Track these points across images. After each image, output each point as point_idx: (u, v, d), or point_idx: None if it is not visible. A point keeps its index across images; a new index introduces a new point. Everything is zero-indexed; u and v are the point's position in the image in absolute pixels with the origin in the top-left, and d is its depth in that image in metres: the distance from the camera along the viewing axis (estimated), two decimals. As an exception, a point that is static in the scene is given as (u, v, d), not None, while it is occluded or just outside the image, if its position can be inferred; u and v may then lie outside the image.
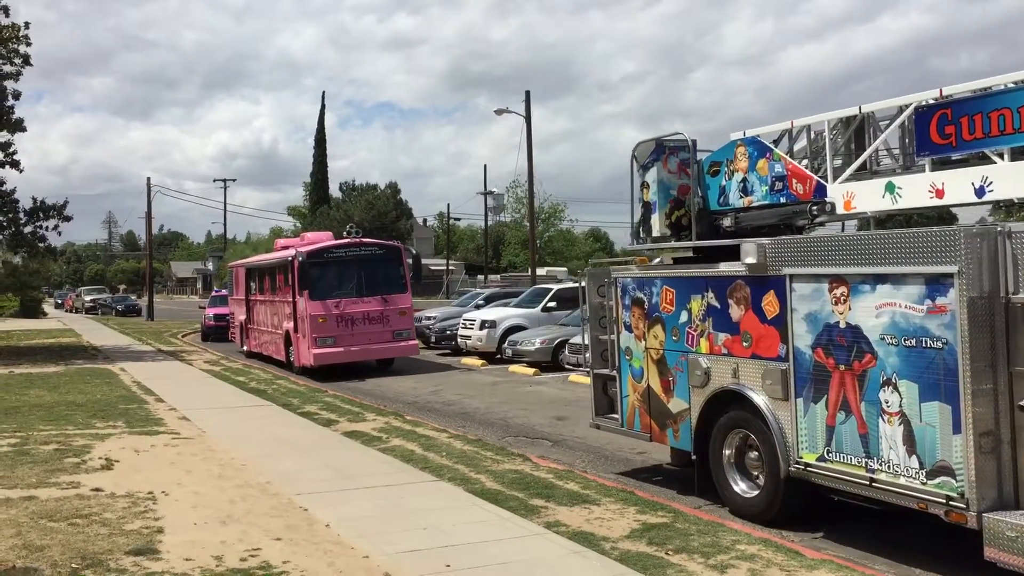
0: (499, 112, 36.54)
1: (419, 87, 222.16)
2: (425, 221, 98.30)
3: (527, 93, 36.36)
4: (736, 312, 8.20)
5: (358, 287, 21.54)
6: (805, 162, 8.58)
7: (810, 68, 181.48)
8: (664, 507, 8.41)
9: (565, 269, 74.21)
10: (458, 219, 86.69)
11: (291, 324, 22.02)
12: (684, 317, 8.84)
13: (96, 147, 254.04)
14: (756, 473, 8.26)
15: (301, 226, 72.07)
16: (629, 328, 9.66)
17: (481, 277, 71.38)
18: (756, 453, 8.21)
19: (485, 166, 66.83)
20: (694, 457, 8.88)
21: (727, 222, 8.93)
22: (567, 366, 20.05)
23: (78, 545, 7.18)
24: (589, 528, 7.70)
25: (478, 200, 69.06)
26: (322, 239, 23.96)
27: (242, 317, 27.78)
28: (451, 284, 68.68)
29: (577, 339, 19.88)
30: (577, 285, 27.54)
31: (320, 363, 20.94)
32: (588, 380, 18.77)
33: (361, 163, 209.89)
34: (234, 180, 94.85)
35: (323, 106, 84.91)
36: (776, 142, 8.82)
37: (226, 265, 49.00)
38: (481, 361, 23.50)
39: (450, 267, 75.76)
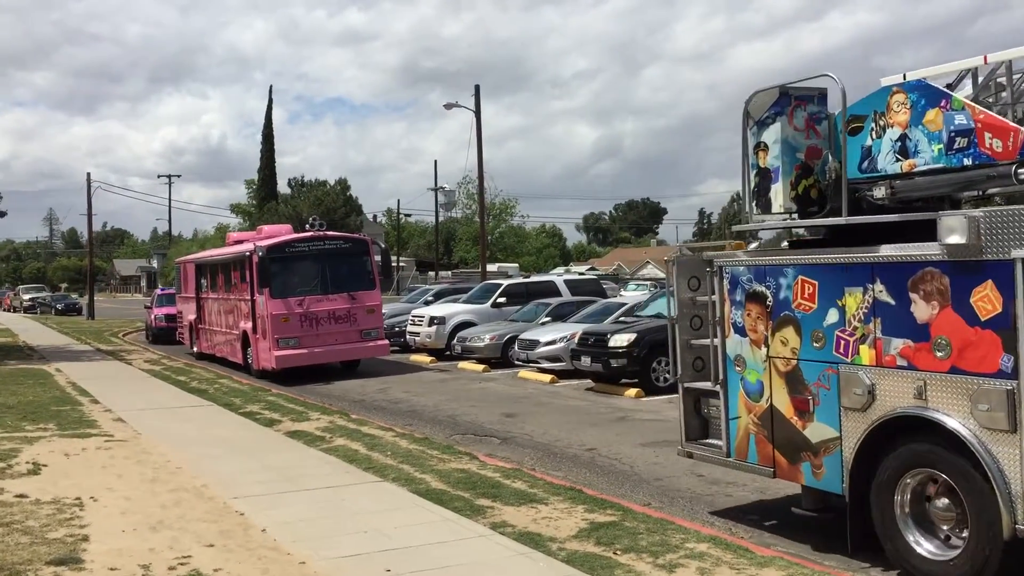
0: (448, 106, 36.19)
1: (371, 82, 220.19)
2: (375, 217, 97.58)
3: (476, 87, 36.11)
4: (924, 310, 6.15)
5: (323, 283, 20.15)
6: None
7: (760, 65, 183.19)
8: (613, 505, 8.23)
9: (516, 265, 74.15)
10: (408, 215, 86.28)
11: (249, 324, 20.79)
12: (833, 317, 6.82)
13: (37, 142, 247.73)
14: (946, 528, 6.26)
15: (248, 223, 70.89)
16: (742, 331, 7.65)
17: (432, 273, 71.02)
18: (947, 501, 6.22)
19: (436, 162, 66.57)
20: (846, 501, 6.84)
21: (879, 193, 6.85)
22: (516, 362, 19.83)
23: (-5, 556, 6.77)
24: (536, 528, 7.49)
25: (429, 196, 68.78)
26: (281, 232, 22.77)
27: (191, 316, 26.65)
28: (401, 281, 68.17)
29: (527, 334, 19.72)
30: (524, 280, 27.54)
31: (283, 366, 19.61)
32: (537, 376, 18.82)
33: (312, 159, 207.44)
34: (179, 176, 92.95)
35: (271, 100, 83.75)
36: (952, 86, 6.81)
37: (173, 261, 47.83)
38: (430, 358, 23.20)
39: (400, 264, 75.22)
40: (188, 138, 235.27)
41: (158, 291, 37.23)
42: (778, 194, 7.30)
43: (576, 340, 17.44)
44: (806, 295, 7.09)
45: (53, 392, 16.98)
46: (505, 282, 26.28)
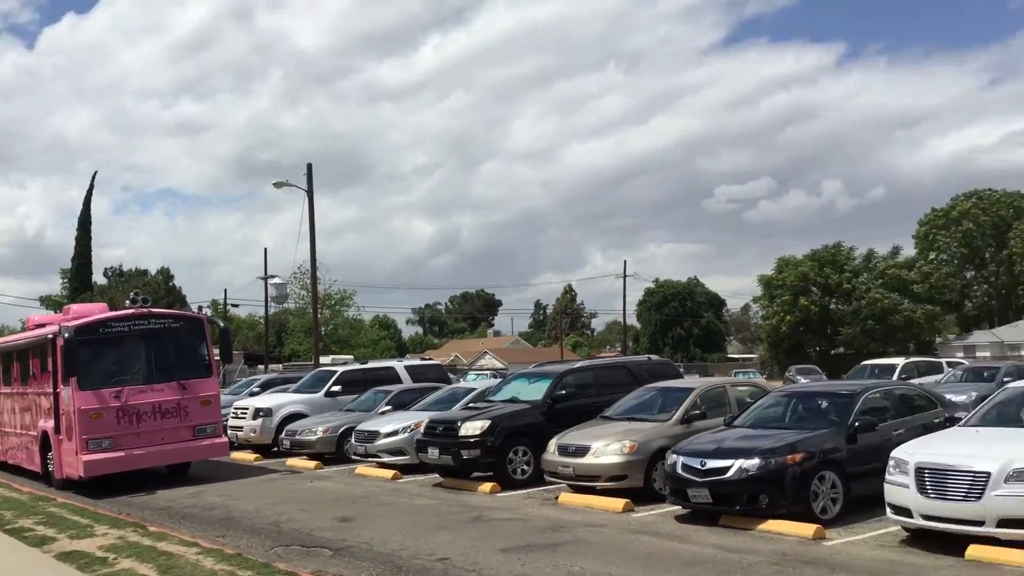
0: (279, 185, 33.91)
1: (204, 174, 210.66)
2: (200, 308, 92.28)
3: (309, 166, 33.91)
4: None
5: (147, 371, 16.63)
6: None
7: (592, 163, 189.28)
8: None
9: (352, 357, 71.26)
10: (236, 305, 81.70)
11: (50, 423, 17.00)
12: None
13: None
14: None
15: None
16: None
17: (262, 366, 67.07)
18: None
19: (266, 249, 62.65)
20: None
21: None
22: (354, 457, 17.65)
23: None
24: None
25: (259, 288, 65.31)
26: (93, 311, 18.85)
27: None
28: (228, 374, 63.90)
29: (365, 425, 17.60)
30: (361, 367, 25.36)
31: (93, 473, 15.79)
32: (377, 472, 16.71)
33: (138, 251, 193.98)
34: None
35: (91, 186, 77.58)
36: None
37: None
38: (255, 455, 20.52)
39: (227, 356, 70.71)
40: (1, 229, 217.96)
41: None
42: None
43: (422, 430, 15.54)
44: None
45: None
46: (341, 368, 24.05)
